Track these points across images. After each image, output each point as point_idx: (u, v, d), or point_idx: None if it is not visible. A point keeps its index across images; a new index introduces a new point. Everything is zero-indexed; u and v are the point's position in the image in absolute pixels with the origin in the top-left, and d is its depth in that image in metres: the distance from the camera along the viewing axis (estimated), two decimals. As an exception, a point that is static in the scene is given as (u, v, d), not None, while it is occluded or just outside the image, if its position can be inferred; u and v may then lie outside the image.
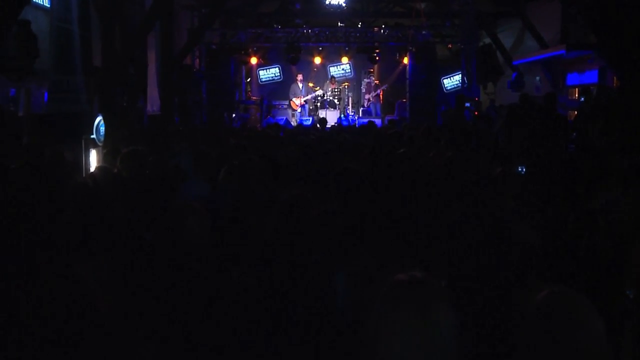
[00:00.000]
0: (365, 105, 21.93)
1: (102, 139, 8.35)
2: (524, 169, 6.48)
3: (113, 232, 3.99)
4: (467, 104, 18.15)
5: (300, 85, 21.17)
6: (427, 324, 1.85)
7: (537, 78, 17.72)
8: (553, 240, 4.15)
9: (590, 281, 3.89)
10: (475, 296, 2.84)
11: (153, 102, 16.22)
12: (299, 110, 21.03)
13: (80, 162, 7.55)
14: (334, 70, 23.22)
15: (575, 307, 1.89)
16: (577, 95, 15.39)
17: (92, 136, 7.94)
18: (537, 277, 2.92)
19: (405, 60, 21.23)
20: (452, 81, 22.50)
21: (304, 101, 21.13)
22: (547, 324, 1.86)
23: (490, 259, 3.44)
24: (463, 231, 3.65)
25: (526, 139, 9.47)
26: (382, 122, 19.60)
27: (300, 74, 21.37)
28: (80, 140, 7.66)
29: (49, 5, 9.91)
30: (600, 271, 3.86)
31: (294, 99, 21.08)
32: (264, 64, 22.92)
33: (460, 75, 21.19)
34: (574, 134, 10.41)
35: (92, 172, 6.13)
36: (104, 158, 7.58)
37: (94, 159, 7.91)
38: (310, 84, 21.71)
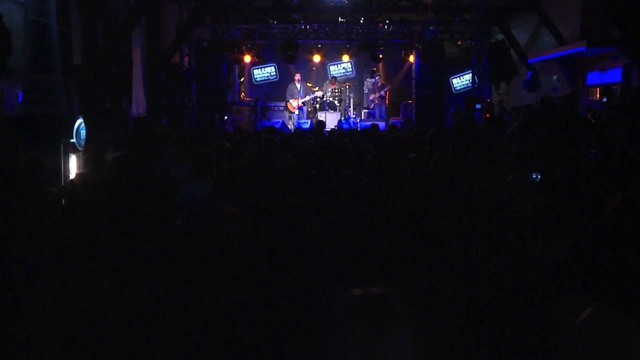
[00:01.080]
0: (369, 107, 21.97)
1: (82, 143, 8.35)
2: (539, 176, 6.47)
3: (97, 247, 3.99)
4: (478, 106, 18.17)
5: (298, 85, 21.20)
6: (380, 342, 1.90)
7: (555, 77, 17.75)
8: (574, 254, 4.15)
9: (613, 295, 3.89)
10: (495, 313, 2.85)
11: (138, 104, 16.23)
12: (296, 112, 21.05)
13: (58, 168, 7.54)
14: (334, 70, 23.27)
15: (621, 326, 1.94)
16: (598, 96, 15.40)
17: (71, 140, 7.94)
18: (559, 292, 2.92)
19: (411, 59, 21.24)
20: (461, 81, 22.55)
21: (302, 103, 21.15)
22: (593, 343, 1.91)
23: (507, 275, 3.44)
24: (478, 246, 3.65)
25: (543, 143, 9.47)
26: (387, 125, 19.61)
27: (298, 73, 21.40)
28: (59, 145, 7.66)
29: (23, -3, 9.91)
30: (626, 285, 3.86)
31: (291, 101, 21.10)
32: (259, 62, 22.95)
33: (470, 75, 21.16)
34: (596, 137, 10.41)
35: (71, 179, 6.12)
36: (85, 164, 7.57)
37: (73, 165, 7.92)
38: (309, 84, 21.74)
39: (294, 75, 21.39)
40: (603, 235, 4.18)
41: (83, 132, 8.49)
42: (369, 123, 16.88)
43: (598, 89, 15.70)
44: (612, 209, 4.25)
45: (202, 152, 6.40)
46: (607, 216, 4.32)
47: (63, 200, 5.45)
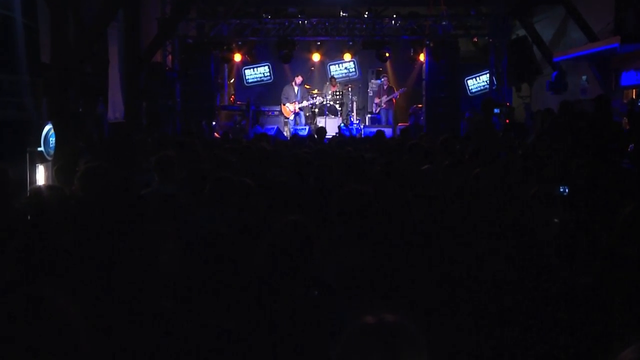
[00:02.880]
0: (374, 112, 21.96)
1: (52, 152, 8.36)
2: (567, 190, 6.48)
3: (65, 269, 3.98)
4: (497, 110, 18.17)
5: (296, 88, 21.22)
6: None
7: (584, 78, 17.74)
8: (605, 280, 4.15)
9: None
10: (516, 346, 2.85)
11: (115, 108, 16.21)
12: (291, 117, 21.07)
13: (24, 180, 7.54)
14: (335, 70, 23.30)
15: None
16: (634, 98, 15.39)
17: (39, 149, 7.95)
18: (589, 321, 2.93)
19: (422, 58, 21.30)
20: (478, 82, 22.56)
21: (299, 108, 21.17)
22: None
23: (529, 301, 3.44)
24: (496, 268, 3.66)
25: (570, 151, 9.46)
26: (394, 132, 19.62)
27: (299, 76, 21.42)
28: (24, 154, 7.66)
29: (-18, -13, 9.93)
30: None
31: (287, 104, 21.13)
32: (251, 62, 22.99)
33: (487, 76, 21.24)
34: (631, 146, 10.40)
35: (37, 192, 6.11)
36: (54, 175, 7.56)
37: (41, 177, 7.92)
38: (307, 86, 21.77)
39: (294, 78, 21.41)
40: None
41: (52, 140, 8.50)
42: (374, 130, 16.89)
43: (634, 90, 15.69)
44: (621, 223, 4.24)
45: (163, 154, 6.60)
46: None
47: (28, 217, 5.45)
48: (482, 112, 17.54)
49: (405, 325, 2.05)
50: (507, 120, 17.58)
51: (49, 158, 8.31)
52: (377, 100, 21.71)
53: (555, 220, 4.96)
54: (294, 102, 21.10)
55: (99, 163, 6.13)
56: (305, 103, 21.26)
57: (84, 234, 4.70)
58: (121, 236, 4.39)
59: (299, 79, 21.30)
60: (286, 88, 21.42)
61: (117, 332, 3.06)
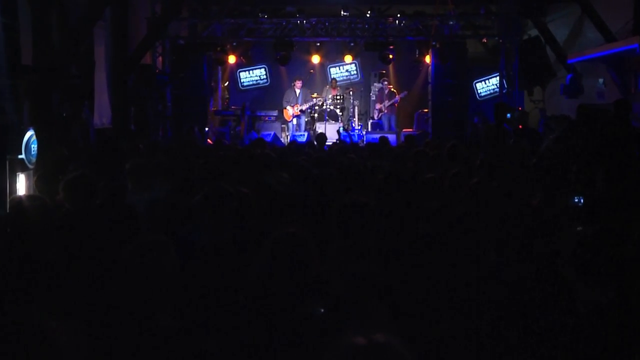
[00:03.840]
0: (376, 117, 21.96)
1: (33, 159, 8.34)
2: (582, 200, 6.46)
3: (46, 283, 3.96)
4: (508, 115, 18.10)
5: (298, 91, 21.29)
6: None
7: (601, 81, 17.74)
8: (629, 296, 4.12)
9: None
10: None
11: (102, 113, 16.22)
12: (294, 121, 21.13)
13: (3, 190, 7.52)
14: (336, 73, 23.35)
15: None
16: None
17: (20, 156, 7.93)
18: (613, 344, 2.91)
19: (427, 60, 21.31)
20: (487, 86, 22.62)
21: (299, 111, 21.21)
22: None
23: (546, 322, 3.42)
24: (509, 286, 3.64)
25: (587, 159, 9.43)
26: (398, 138, 19.62)
27: (300, 79, 21.47)
28: (4, 162, 7.64)
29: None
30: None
31: (287, 107, 21.19)
32: (246, 64, 23.07)
33: (497, 78, 21.24)
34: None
35: (18, 203, 6.09)
36: (35, 184, 7.53)
37: (22, 186, 7.90)
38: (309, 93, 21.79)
39: (294, 82, 21.47)
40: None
41: (34, 147, 8.49)
42: (377, 136, 16.88)
43: (656, 94, 15.69)
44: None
45: (135, 161, 6.76)
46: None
47: (7, 229, 5.42)
48: (494, 118, 17.43)
49: (396, 346, 2.08)
50: (520, 126, 17.49)
51: (30, 166, 8.29)
52: (378, 106, 21.77)
53: (572, 232, 4.93)
54: (295, 104, 21.16)
55: (83, 171, 6.11)
56: (306, 105, 21.28)
57: (72, 248, 4.67)
58: (113, 249, 4.37)
59: (299, 83, 21.36)
60: (288, 91, 21.54)
61: (110, 352, 3.05)
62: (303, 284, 3.36)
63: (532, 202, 6.11)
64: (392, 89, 21.76)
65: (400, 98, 21.48)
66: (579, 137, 9.90)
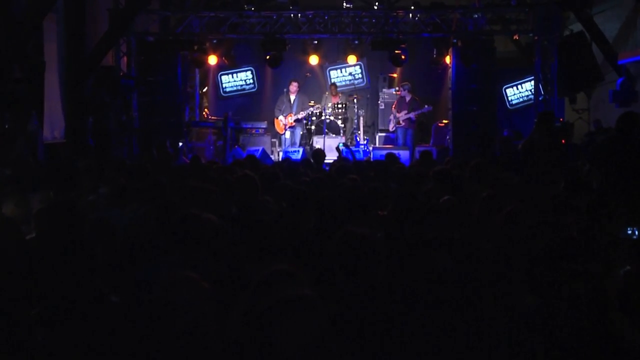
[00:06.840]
0: (391, 129, 21.50)
1: (-29, 180, 8.37)
2: (637, 232, 6.46)
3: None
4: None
5: (293, 97, 21.38)
6: None
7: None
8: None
9: None
10: None
11: (54, 125, 16.23)
12: (287, 134, 21.18)
13: None
14: (337, 76, 23.37)
15: None
16: None
17: (-44, 176, 7.95)
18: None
19: (447, 61, 21.31)
20: (520, 92, 22.65)
21: (295, 121, 21.25)
22: None
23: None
24: (545, 333, 3.67)
25: (627, 182, 9.42)
26: (412, 156, 19.50)
27: (296, 81, 21.55)
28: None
29: None
30: None
31: (280, 117, 21.25)
32: (229, 66, 23.11)
33: (532, 83, 21.24)
34: None
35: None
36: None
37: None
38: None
39: (289, 85, 21.53)
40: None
41: (-28, 165, 8.52)
42: (385, 152, 16.76)
43: None
44: None
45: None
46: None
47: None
48: (536, 129, 17.22)
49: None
50: (563, 141, 17.34)
51: (-33, 187, 8.31)
52: (398, 115, 20.86)
53: (620, 271, 4.96)
54: (289, 113, 21.21)
55: (66, 198, 6.18)
56: (302, 114, 21.29)
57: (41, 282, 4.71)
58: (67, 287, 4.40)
59: (294, 87, 21.41)
60: (281, 97, 21.61)
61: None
62: (294, 332, 3.37)
63: (571, 233, 6.12)
64: (416, 98, 21.02)
65: (424, 112, 20.85)
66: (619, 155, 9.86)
